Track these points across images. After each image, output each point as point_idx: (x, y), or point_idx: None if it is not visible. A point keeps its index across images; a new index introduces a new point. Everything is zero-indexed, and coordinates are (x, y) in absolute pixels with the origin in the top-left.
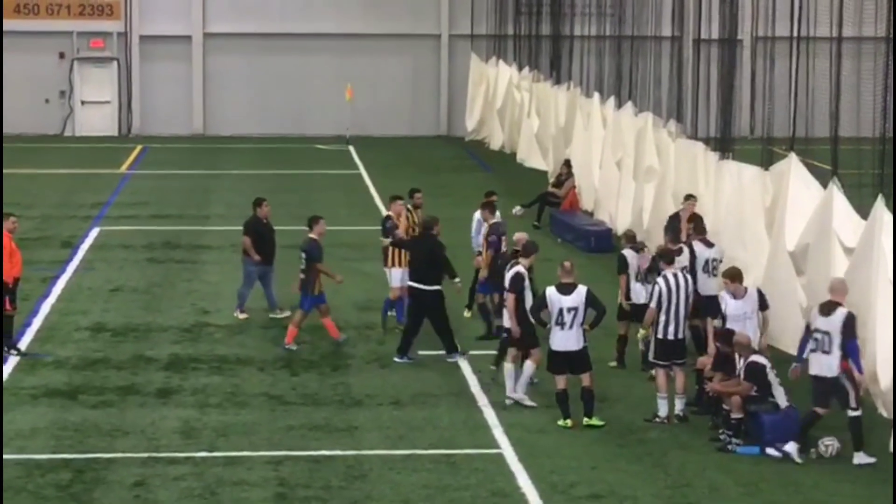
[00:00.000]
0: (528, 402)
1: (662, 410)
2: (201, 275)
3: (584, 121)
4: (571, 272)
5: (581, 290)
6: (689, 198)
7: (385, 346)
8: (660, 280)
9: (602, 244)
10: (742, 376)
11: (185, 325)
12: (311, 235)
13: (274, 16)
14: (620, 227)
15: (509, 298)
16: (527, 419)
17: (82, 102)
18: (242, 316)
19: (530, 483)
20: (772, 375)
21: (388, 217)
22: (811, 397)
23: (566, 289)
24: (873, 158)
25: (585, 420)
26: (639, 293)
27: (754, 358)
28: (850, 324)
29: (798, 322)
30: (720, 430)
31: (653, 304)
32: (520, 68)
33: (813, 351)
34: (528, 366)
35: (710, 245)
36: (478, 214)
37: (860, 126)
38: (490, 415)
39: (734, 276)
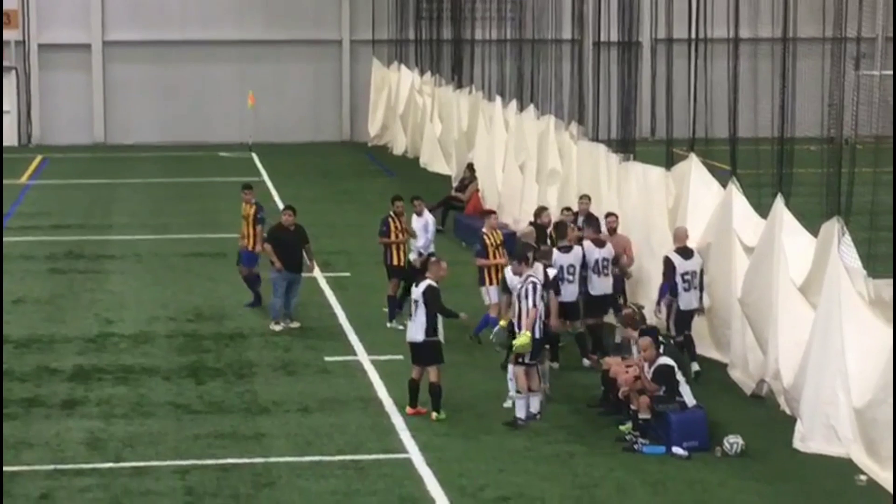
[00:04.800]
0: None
1: (521, 412)
2: (105, 284)
3: (487, 124)
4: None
5: (422, 284)
6: (584, 198)
7: (290, 353)
8: (540, 277)
9: (506, 247)
10: (650, 378)
11: (90, 335)
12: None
13: (174, 23)
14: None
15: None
16: (433, 423)
17: None
18: (277, 328)
19: (439, 487)
20: (679, 375)
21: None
22: (678, 328)
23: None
24: (772, 158)
25: (434, 415)
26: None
27: (662, 360)
28: (703, 262)
29: (701, 325)
30: (627, 431)
31: (539, 303)
32: (421, 73)
33: (686, 290)
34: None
35: (601, 245)
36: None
37: (758, 127)
38: (398, 420)
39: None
